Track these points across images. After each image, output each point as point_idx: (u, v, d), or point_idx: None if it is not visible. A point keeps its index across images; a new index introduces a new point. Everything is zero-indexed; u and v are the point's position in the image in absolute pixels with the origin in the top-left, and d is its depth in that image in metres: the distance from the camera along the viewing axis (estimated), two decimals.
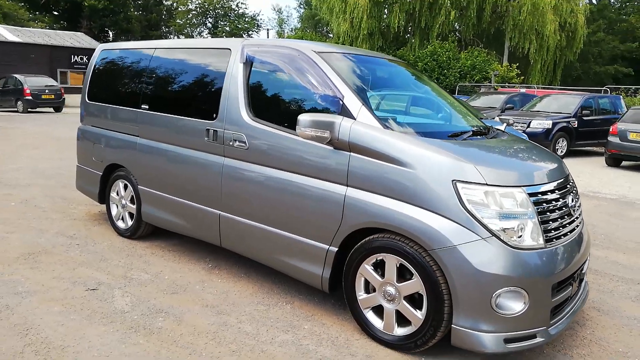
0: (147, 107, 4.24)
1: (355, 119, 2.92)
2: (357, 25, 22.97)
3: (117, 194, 4.67)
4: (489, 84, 21.71)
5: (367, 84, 3.29)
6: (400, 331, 2.82)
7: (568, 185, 3.04)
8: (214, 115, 3.65)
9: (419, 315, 2.72)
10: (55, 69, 27.53)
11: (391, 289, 2.83)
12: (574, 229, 2.91)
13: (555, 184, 2.87)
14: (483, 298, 2.50)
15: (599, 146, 13.01)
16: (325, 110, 3.10)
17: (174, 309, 3.22)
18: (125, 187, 4.58)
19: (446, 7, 22.47)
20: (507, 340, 2.53)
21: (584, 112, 12.65)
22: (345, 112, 2.98)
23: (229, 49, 3.70)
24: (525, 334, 2.56)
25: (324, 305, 3.38)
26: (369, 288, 3.00)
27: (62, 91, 21.47)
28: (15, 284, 3.47)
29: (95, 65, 4.96)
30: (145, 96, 4.27)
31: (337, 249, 3.03)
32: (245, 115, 3.47)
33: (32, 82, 20.48)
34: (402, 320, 2.83)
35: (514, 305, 2.51)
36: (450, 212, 2.58)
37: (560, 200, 2.83)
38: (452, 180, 2.59)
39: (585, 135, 12.61)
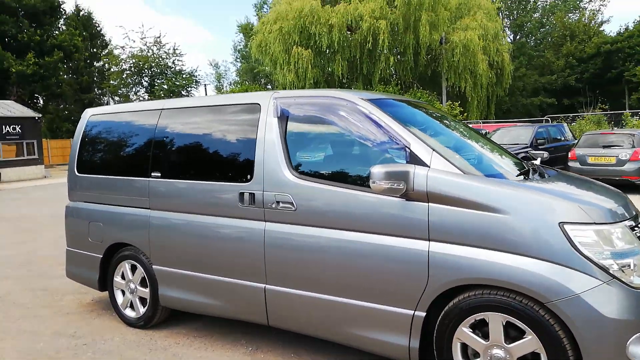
0: (159, 174, 3.80)
1: (429, 167, 2.69)
2: (302, 75, 23.36)
3: (123, 278, 4.09)
4: None
5: (423, 130, 3.10)
6: None
7: None
8: (249, 176, 3.29)
9: None
10: None
11: (499, 352, 2.53)
12: None
13: (635, 215, 2.75)
14: (618, 348, 2.27)
15: None
16: (389, 162, 2.86)
17: None
18: (134, 268, 4.02)
19: (385, 54, 23.42)
20: None
21: (538, 141, 13.26)
22: (415, 160, 2.74)
23: (258, 104, 3.40)
24: None
25: None
26: (467, 354, 2.69)
27: None
28: None
29: (84, 133, 4.45)
30: (156, 163, 3.84)
31: (424, 314, 2.71)
32: (288, 174, 3.15)
33: None
34: None
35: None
36: (562, 257, 2.37)
37: None
38: (560, 223, 2.39)
39: (545, 163, 13.17)
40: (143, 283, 3.96)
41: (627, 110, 19.21)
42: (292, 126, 3.28)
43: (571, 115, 22.41)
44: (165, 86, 40.74)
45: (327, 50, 24.79)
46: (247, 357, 3.39)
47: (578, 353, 2.36)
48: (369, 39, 22.82)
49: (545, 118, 20.80)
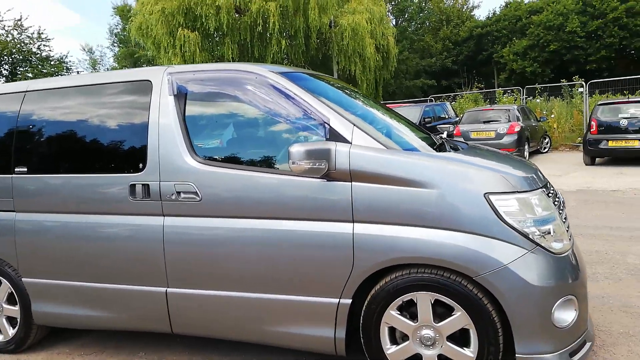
0: (24, 169, 3.15)
1: (350, 143, 2.48)
2: (190, 58, 22.10)
3: None
4: None
5: (340, 104, 2.87)
6: None
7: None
8: (141, 165, 2.83)
9: (469, 353, 2.37)
10: None
11: (429, 332, 2.42)
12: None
13: (545, 183, 2.81)
14: (544, 316, 2.26)
15: None
16: (307, 140, 2.59)
17: None
18: None
19: (276, 37, 23.03)
20: (572, 354, 2.32)
21: (425, 119, 13.94)
22: (335, 137, 2.51)
23: (149, 81, 2.92)
24: (579, 343, 2.39)
25: None
26: (395, 337, 2.56)
27: None
28: None
29: None
30: (21, 156, 3.17)
31: (350, 301, 2.52)
32: (190, 159, 2.75)
33: None
34: None
35: (568, 316, 2.32)
36: (488, 229, 2.30)
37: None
38: (485, 194, 2.32)
39: None
40: (11, 300, 3.30)
41: (499, 89, 21.03)
42: (192, 105, 2.87)
43: (452, 94, 24.02)
44: (30, 74, 36.30)
45: (216, 33, 23.74)
46: None
47: (506, 325, 2.33)
48: (259, 22, 22.24)
49: (429, 98, 22.07)
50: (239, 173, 2.66)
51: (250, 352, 3.07)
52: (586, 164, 11.05)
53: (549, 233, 2.35)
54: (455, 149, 2.97)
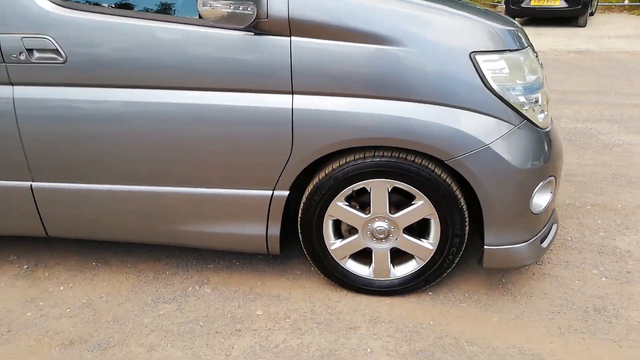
0: None
1: None
2: None
3: None
4: None
5: None
6: (401, 271, 2.08)
7: None
8: None
9: (428, 245, 2.00)
10: None
11: (382, 225, 2.00)
12: None
13: (530, 44, 2.28)
14: (523, 202, 1.90)
15: None
16: None
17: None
18: None
19: None
20: (542, 240, 2.04)
21: None
22: None
23: None
24: (548, 227, 2.12)
25: (257, 271, 2.37)
26: (341, 232, 2.12)
27: None
28: None
29: None
30: None
31: (287, 193, 1.98)
32: (44, 1, 1.82)
33: None
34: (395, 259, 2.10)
35: (544, 200, 1.99)
36: (470, 100, 1.78)
37: None
38: (471, 54, 1.74)
39: None
40: None
41: None
42: None
43: None
44: None
45: None
46: (24, 277, 2.33)
47: (476, 214, 1.96)
48: None
49: None
50: (123, 23, 1.82)
51: (156, 248, 2.52)
52: None
53: (537, 102, 1.89)
54: None
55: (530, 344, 1.84)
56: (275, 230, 2.05)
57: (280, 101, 1.82)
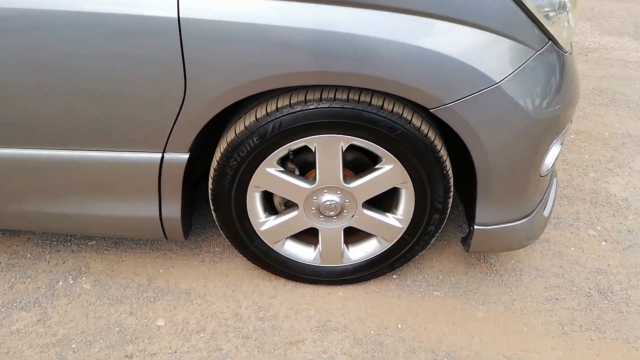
0: None
1: None
2: None
3: None
4: None
5: None
6: (357, 254, 1.51)
7: None
8: None
9: (396, 222, 1.42)
10: None
11: (333, 198, 1.37)
12: None
13: None
14: (533, 164, 1.32)
15: None
16: None
17: None
18: None
19: None
20: (544, 207, 1.52)
21: None
22: None
23: None
24: (549, 187, 1.58)
25: (159, 249, 1.71)
26: (273, 205, 1.48)
27: None
28: None
29: None
30: None
31: (186, 156, 1.28)
32: None
33: None
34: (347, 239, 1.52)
35: (554, 154, 1.42)
36: (473, 7, 1.10)
37: None
38: None
39: None
40: None
41: None
42: None
43: None
44: None
45: None
46: None
47: (468, 180, 1.37)
48: None
49: None
50: None
51: None
52: None
53: (564, 7, 1.23)
54: None
55: (527, 353, 1.39)
56: (172, 209, 1.37)
57: (159, 5, 1.05)
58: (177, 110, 1.18)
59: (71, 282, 1.57)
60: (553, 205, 1.57)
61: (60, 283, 1.57)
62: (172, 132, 1.22)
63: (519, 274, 1.64)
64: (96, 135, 1.24)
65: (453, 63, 1.11)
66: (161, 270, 1.61)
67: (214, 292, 1.54)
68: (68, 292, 1.54)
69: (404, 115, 1.21)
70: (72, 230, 1.49)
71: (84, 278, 1.58)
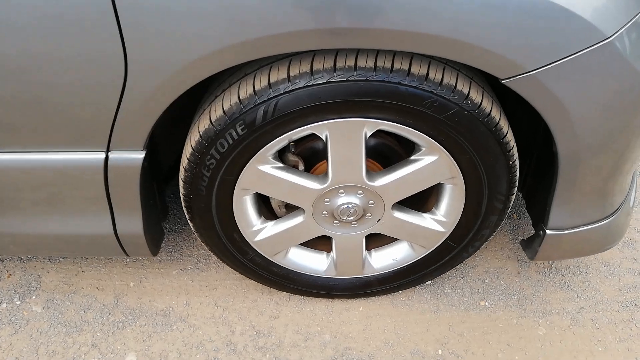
0: None
1: None
2: None
3: None
4: None
5: None
6: (382, 261, 1.15)
7: None
8: None
9: (437, 226, 1.05)
10: None
11: (353, 200, 0.99)
12: None
13: None
14: (636, 146, 0.93)
15: None
16: None
17: None
18: None
19: None
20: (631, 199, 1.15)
21: None
22: None
23: None
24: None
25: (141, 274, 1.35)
26: (272, 208, 1.11)
27: None
28: None
29: None
30: None
31: (141, 155, 0.88)
32: None
33: None
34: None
35: None
36: None
37: None
38: None
39: None
40: None
41: None
42: None
43: None
44: None
45: None
46: None
47: (536, 172, 0.99)
48: None
49: None
50: None
51: None
52: None
53: None
54: None
55: None
56: (130, 222, 1.00)
57: None
58: (119, 93, 0.78)
59: (18, 303, 1.23)
60: (635, 190, 1.20)
61: (4, 305, 1.23)
62: (115, 124, 0.82)
63: (584, 271, 1.30)
64: (24, 134, 0.84)
65: (543, 9, 0.70)
66: (132, 284, 1.27)
67: (199, 312, 1.20)
68: (13, 318, 1.20)
69: (458, 87, 0.81)
70: (18, 252, 1.13)
71: (33, 297, 1.24)
